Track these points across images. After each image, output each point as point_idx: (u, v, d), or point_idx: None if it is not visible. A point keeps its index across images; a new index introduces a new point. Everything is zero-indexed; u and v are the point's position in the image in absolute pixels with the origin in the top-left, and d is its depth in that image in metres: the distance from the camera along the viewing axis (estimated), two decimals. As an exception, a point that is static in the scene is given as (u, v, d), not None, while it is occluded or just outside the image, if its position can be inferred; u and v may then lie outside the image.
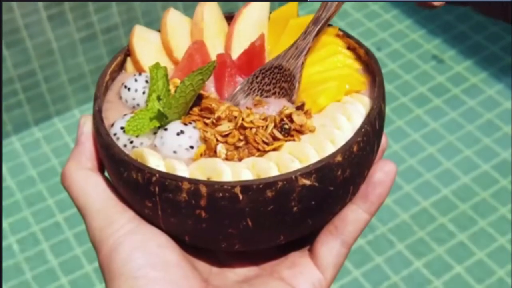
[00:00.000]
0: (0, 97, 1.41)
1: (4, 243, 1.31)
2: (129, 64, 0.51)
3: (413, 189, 1.34)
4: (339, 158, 0.41)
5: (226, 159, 0.43)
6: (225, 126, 0.44)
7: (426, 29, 1.63)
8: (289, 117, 0.44)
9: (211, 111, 0.46)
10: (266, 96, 0.48)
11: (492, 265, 1.22)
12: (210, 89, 0.49)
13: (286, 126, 0.44)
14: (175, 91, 0.45)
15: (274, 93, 0.48)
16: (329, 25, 0.50)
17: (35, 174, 1.42)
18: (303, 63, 0.48)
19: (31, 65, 1.44)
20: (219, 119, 0.45)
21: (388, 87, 1.48)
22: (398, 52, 1.59)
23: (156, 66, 0.46)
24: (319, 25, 0.49)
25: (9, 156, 1.45)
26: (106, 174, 0.46)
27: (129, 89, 0.48)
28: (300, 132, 0.44)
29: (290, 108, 0.45)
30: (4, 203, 1.36)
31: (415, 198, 1.33)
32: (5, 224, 1.34)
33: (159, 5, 1.51)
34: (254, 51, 0.49)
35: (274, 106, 0.47)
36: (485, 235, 1.27)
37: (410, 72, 1.55)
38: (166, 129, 0.45)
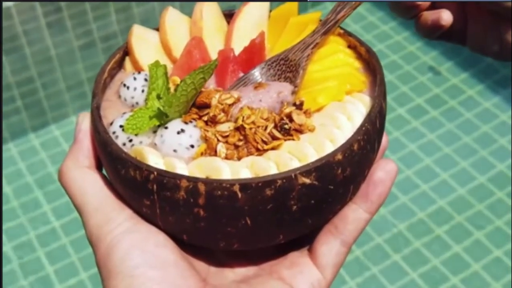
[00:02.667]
0: (0, 103, 1.41)
1: (-1, 250, 1.30)
2: (128, 64, 0.50)
3: (409, 200, 1.34)
4: (339, 156, 0.41)
5: (226, 158, 0.43)
6: (225, 127, 0.44)
7: (423, 41, 1.64)
8: (289, 116, 0.44)
9: (206, 105, 0.46)
10: None
11: (487, 277, 1.22)
12: (210, 86, 0.48)
13: (286, 126, 0.44)
14: (176, 90, 0.45)
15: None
16: None
17: (32, 181, 1.42)
18: (309, 55, 0.48)
19: (29, 72, 1.44)
20: (214, 117, 0.45)
21: (385, 98, 1.48)
22: (395, 64, 1.59)
23: (156, 64, 0.46)
24: (327, 26, 0.49)
25: (6, 163, 1.45)
26: (104, 172, 0.46)
27: (128, 87, 0.48)
28: (300, 131, 0.44)
29: (289, 107, 0.45)
30: (-1, 209, 1.36)
31: (412, 209, 1.33)
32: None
33: (158, 13, 1.51)
34: (254, 48, 0.49)
35: (275, 88, 0.47)
36: (481, 247, 1.26)
37: (407, 84, 1.55)
38: (166, 128, 0.44)
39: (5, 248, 1.31)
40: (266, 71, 0.49)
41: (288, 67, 0.48)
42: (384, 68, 0.46)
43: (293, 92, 0.47)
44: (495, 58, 0.52)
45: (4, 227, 1.34)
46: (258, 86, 0.47)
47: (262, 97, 0.46)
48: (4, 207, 1.37)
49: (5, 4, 1.34)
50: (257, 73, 0.49)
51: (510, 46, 0.51)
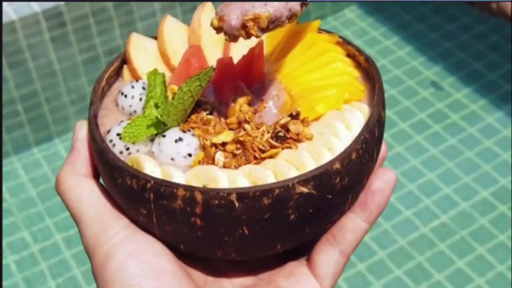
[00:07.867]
0: (0, 117, 1.42)
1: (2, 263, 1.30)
2: (126, 72, 0.50)
3: (412, 215, 1.34)
4: (337, 165, 0.41)
5: (224, 166, 0.43)
6: (224, 136, 0.44)
7: (426, 56, 1.64)
8: (285, 126, 0.44)
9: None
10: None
11: (491, 292, 1.21)
12: (208, 94, 0.48)
13: (281, 134, 0.43)
14: (173, 98, 0.45)
15: None
16: (329, 33, 0.50)
17: (35, 195, 1.42)
18: None
19: (33, 86, 1.44)
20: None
21: (388, 113, 1.48)
22: (397, 78, 1.59)
23: (154, 72, 0.46)
24: None
25: (9, 176, 1.45)
26: (101, 180, 0.46)
27: (125, 95, 0.48)
28: (297, 140, 0.43)
29: (285, 118, 0.45)
30: (2, 222, 1.36)
31: (414, 223, 1.32)
32: (3, 244, 1.33)
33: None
34: (253, 57, 0.48)
35: None
36: (484, 262, 1.26)
37: (409, 99, 1.55)
38: (164, 136, 0.44)
39: (7, 261, 1.31)
40: None
41: None
42: (387, 82, 0.46)
43: (303, 4, 0.44)
44: (505, 18, 0.51)
45: (6, 240, 1.34)
46: None
47: (268, 1, 0.43)
48: (6, 221, 1.37)
49: (9, 18, 1.35)
50: None
51: None
